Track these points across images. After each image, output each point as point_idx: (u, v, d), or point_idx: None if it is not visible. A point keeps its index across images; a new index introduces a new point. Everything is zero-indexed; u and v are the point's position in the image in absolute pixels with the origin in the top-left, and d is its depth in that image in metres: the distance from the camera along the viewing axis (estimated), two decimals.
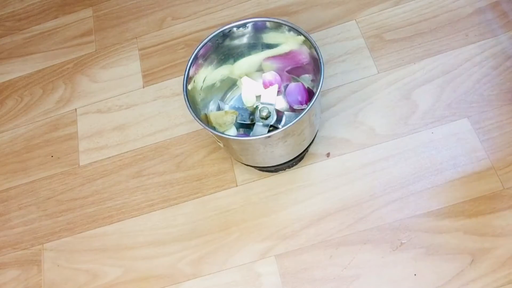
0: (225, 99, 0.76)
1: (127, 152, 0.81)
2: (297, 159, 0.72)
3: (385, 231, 0.68)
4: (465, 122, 0.72)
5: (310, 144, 0.71)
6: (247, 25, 0.67)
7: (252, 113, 0.73)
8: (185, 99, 0.63)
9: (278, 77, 0.74)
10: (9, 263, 0.76)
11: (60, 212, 0.79)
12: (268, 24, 0.67)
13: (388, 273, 0.65)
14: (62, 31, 0.96)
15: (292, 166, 0.74)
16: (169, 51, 0.89)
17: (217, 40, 0.68)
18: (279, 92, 0.74)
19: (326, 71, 0.80)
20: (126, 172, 0.80)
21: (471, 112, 0.73)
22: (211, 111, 0.73)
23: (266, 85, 0.74)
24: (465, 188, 0.68)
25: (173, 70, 0.87)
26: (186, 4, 0.93)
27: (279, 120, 0.72)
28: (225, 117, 0.70)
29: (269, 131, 0.71)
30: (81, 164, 0.82)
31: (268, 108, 0.71)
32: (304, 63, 0.70)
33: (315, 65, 0.66)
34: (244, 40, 0.70)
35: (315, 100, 0.60)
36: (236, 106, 0.75)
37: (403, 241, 0.67)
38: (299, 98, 0.72)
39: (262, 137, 0.60)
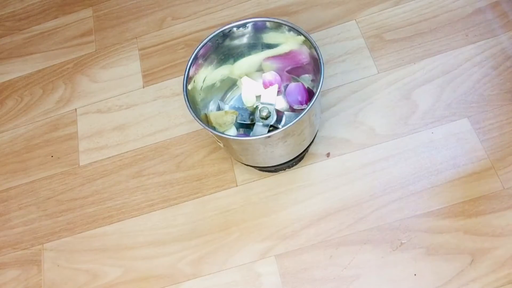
0: (225, 99, 0.76)
1: (127, 152, 0.81)
2: (297, 159, 0.72)
3: (385, 231, 0.68)
4: (465, 122, 0.72)
5: (310, 144, 0.71)
6: (247, 25, 0.67)
7: (252, 113, 0.73)
8: (185, 99, 0.63)
9: (278, 77, 0.74)
10: (9, 263, 0.76)
11: (60, 212, 0.79)
12: (268, 24, 0.67)
13: (388, 273, 0.65)
14: (62, 31, 0.96)
15: (292, 166, 0.74)
16: (169, 51, 0.89)
17: (217, 40, 0.68)
18: (279, 92, 0.74)
19: (326, 71, 0.80)
20: (126, 172, 0.80)
21: (471, 112, 0.73)
22: (211, 111, 0.73)
23: (266, 85, 0.74)
24: (465, 188, 0.68)
25: (173, 70, 0.87)
26: (186, 4, 0.93)
27: (279, 120, 0.72)
28: (225, 117, 0.70)
29: (269, 131, 0.71)
30: (81, 164, 0.82)
31: (268, 108, 0.71)
32: (304, 63, 0.70)
33: (315, 65, 0.66)
34: (244, 40, 0.70)
35: (315, 100, 0.60)
36: (236, 106, 0.75)
37: (403, 241, 0.67)
38: (299, 98, 0.72)
39: (262, 137, 0.60)
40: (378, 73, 0.78)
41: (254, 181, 0.75)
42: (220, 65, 0.72)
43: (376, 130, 0.74)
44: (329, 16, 0.85)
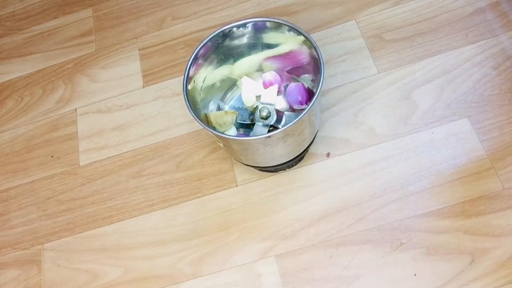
0: (225, 99, 0.76)
1: (127, 152, 0.81)
2: (297, 159, 0.72)
3: (385, 231, 0.68)
4: (465, 122, 0.72)
5: (310, 144, 0.71)
6: (247, 25, 0.67)
7: (252, 113, 0.73)
8: (185, 99, 0.63)
9: (278, 77, 0.74)
10: (9, 263, 0.76)
11: (60, 212, 0.79)
12: (268, 24, 0.67)
13: (388, 273, 0.65)
14: (62, 31, 0.96)
15: (292, 166, 0.74)
16: (169, 51, 0.89)
17: (217, 40, 0.68)
18: (279, 92, 0.74)
19: (326, 71, 0.80)
20: (126, 172, 0.80)
21: (471, 112, 0.73)
22: (211, 111, 0.73)
23: (266, 85, 0.74)
24: (465, 188, 0.68)
25: (173, 70, 0.87)
26: (186, 4, 0.93)
27: (279, 120, 0.72)
28: (225, 117, 0.70)
29: (269, 131, 0.71)
30: (81, 164, 0.82)
31: (268, 108, 0.71)
32: (304, 63, 0.70)
33: (315, 65, 0.66)
34: (244, 40, 0.70)
35: (315, 100, 0.60)
36: (236, 106, 0.75)
37: (403, 241, 0.67)
38: (299, 98, 0.72)
39: (262, 137, 0.60)
40: (378, 73, 0.78)
41: (254, 181, 0.75)
42: (220, 65, 0.72)
43: (376, 130, 0.74)
44: (329, 16, 0.85)
